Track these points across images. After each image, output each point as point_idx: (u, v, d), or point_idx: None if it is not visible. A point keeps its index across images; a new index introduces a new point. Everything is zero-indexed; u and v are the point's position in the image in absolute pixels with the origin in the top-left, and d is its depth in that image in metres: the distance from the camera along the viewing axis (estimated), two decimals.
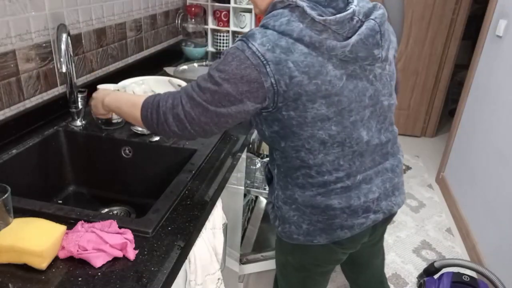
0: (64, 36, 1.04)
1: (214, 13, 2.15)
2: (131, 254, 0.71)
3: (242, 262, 1.60)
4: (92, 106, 1.08)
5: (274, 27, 0.83)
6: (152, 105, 0.89)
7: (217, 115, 0.85)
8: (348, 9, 0.84)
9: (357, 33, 0.84)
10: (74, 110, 1.19)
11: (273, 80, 0.81)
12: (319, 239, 0.98)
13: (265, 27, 0.84)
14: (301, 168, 0.94)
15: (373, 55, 0.87)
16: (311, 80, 0.82)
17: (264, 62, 0.80)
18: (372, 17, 0.86)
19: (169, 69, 1.61)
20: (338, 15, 0.82)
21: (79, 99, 1.19)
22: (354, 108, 0.89)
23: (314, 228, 0.98)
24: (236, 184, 1.33)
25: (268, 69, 0.80)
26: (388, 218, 1.06)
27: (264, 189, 1.55)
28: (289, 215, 0.99)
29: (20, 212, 0.78)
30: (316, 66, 0.82)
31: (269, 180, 1.10)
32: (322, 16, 0.81)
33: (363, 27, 0.84)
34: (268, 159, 1.12)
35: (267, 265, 1.62)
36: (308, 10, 0.80)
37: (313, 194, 0.95)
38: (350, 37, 0.83)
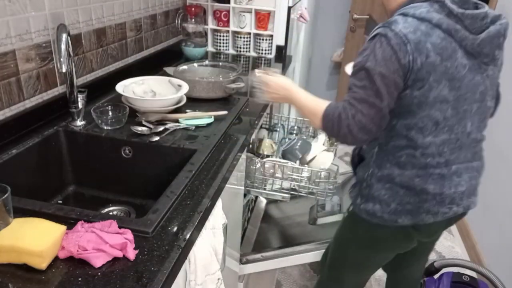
0: (64, 36, 1.04)
1: (214, 13, 2.15)
2: (131, 254, 0.71)
3: (242, 262, 1.60)
4: (269, 87, 1.19)
5: (415, 15, 0.94)
6: (333, 119, 1.01)
7: (385, 99, 0.96)
8: (479, 10, 0.96)
9: (486, 31, 0.95)
10: (74, 110, 1.19)
11: (411, 58, 0.92)
12: (403, 219, 1.05)
13: (405, 15, 0.95)
14: (406, 147, 1.01)
15: (494, 55, 0.99)
16: (443, 61, 0.93)
17: (406, 41, 0.92)
18: (498, 22, 0.98)
19: (169, 69, 1.61)
20: (473, 11, 0.94)
21: (79, 99, 1.19)
22: (468, 98, 0.99)
23: (402, 208, 1.04)
24: (236, 184, 1.33)
25: (408, 48, 0.91)
26: (460, 216, 1.13)
27: (264, 189, 1.55)
28: (379, 193, 1.06)
29: (20, 212, 0.78)
30: (449, 50, 0.93)
31: (359, 160, 1.18)
32: (460, 10, 0.93)
33: (492, 28, 0.96)
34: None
35: (267, 265, 1.62)
36: (448, 3, 0.93)
37: (412, 175, 1.02)
38: (478, 34, 0.95)
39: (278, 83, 1.18)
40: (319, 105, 1.06)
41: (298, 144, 1.59)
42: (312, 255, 1.58)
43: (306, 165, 1.57)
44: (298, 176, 1.51)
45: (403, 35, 0.92)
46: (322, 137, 1.70)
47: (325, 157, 1.58)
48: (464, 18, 0.93)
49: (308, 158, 1.58)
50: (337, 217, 1.75)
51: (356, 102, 0.97)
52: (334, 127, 1.01)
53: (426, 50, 0.92)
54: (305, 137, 1.83)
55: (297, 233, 1.80)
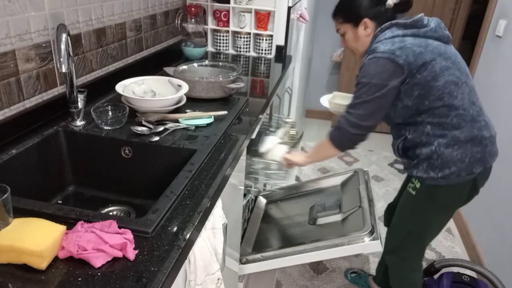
0: (64, 36, 1.04)
1: (214, 13, 2.15)
2: (131, 254, 0.71)
3: (242, 262, 1.60)
4: (294, 164, 1.55)
5: (386, 38, 1.26)
6: (337, 135, 1.33)
7: (377, 101, 1.24)
8: (418, 16, 1.29)
9: (431, 24, 1.29)
10: (74, 110, 1.19)
11: (404, 57, 1.20)
12: (476, 167, 1.30)
13: (378, 42, 1.27)
14: (450, 111, 1.26)
15: (447, 35, 1.31)
16: (426, 49, 1.23)
17: (392, 51, 1.21)
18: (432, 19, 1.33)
19: (169, 69, 1.61)
20: (416, 16, 1.29)
21: (79, 99, 1.19)
22: (458, 61, 1.29)
23: (474, 159, 1.29)
24: (236, 184, 1.33)
25: (397, 53, 1.21)
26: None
27: (264, 189, 1.55)
28: (452, 156, 1.28)
29: (20, 212, 0.78)
30: (423, 43, 1.24)
31: (403, 150, 1.39)
32: (408, 20, 1.28)
33: (432, 21, 1.31)
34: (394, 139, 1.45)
35: (267, 265, 1.62)
36: (400, 21, 1.28)
37: (470, 128, 1.27)
38: (429, 26, 1.29)
39: (293, 158, 1.53)
40: (321, 141, 1.38)
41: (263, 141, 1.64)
42: (312, 255, 1.58)
43: (257, 157, 1.61)
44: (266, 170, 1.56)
45: (388, 49, 1.22)
46: (282, 130, 1.74)
47: (278, 149, 1.60)
48: (415, 22, 1.27)
49: (263, 150, 1.61)
50: (337, 217, 1.75)
51: (351, 109, 1.28)
52: (340, 137, 1.31)
53: (409, 48, 1.22)
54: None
55: (297, 233, 1.80)
